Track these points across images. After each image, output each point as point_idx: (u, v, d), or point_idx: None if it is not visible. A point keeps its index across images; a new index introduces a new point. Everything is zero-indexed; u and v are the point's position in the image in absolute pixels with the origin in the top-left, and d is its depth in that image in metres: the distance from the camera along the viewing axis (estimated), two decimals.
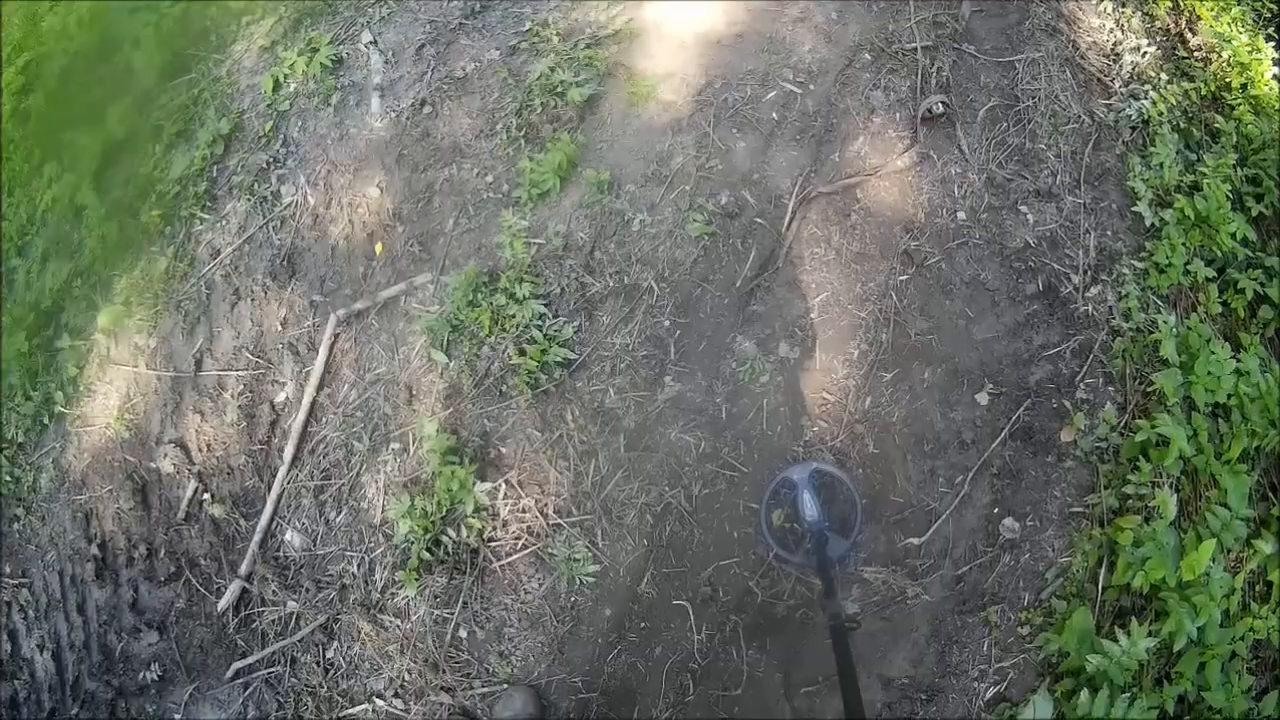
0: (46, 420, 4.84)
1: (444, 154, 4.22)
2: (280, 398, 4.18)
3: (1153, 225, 3.90)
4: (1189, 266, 3.83)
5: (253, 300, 4.34)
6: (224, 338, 4.36)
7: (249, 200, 4.51)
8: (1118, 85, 4.30)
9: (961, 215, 3.84)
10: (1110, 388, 3.65)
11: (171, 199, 4.80)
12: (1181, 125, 4.26)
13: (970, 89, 4.11)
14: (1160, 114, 4.16)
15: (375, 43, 4.61)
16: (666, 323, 3.71)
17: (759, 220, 3.80)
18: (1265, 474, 3.63)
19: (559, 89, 4.06)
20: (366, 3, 4.78)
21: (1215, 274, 3.88)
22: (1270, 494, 3.62)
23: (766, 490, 3.48)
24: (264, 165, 4.55)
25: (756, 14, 4.20)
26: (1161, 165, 3.99)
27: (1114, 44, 4.45)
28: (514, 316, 3.72)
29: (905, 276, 3.73)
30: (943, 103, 3.97)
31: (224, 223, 4.56)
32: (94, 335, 4.82)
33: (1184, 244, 3.86)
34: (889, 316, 3.68)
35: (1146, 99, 4.21)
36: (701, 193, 3.84)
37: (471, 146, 4.19)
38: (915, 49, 4.14)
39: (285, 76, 4.71)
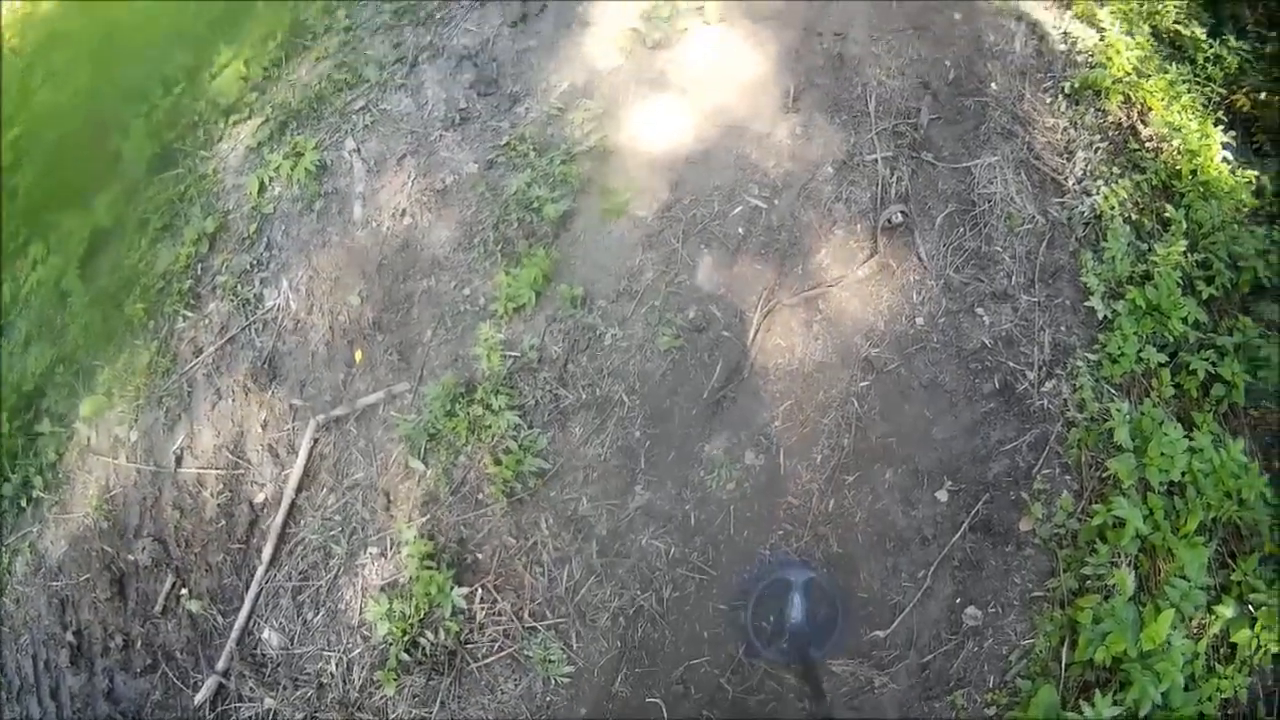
0: (24, 504, 4.71)
1: (423, 265, 4.20)
2: (259, 498, 4.10)
3: (1105, 318, 3.94)
4: (1141, 354, 3.84)
5: (234, 401, 4.27)
6: (204, 436, 4.28)
7: (232, 301, 4.45)
8: (1071, 183, 4.36)
9: (920, 321, 3.89)
10: (1067, 476, 3.68)
11: (156, 293, 4.73)
12: (1133, 217, 4.31)
13: (928, 196, 4.18)
14: (1112, 208, 4.20)
15: (358, 150, 4.61)
16: (637, 434, 3.70)
17: (725, 333, 3.82)
18: (1224, 542, 3.67)
19: (535, 204, 4.07)
20: (351, 110, 4.79)
21: (1167, 359, 3.90)
22: (1229, 560, 3.65)
23: (758, 586, 3.47)
24: (248, 267, 4.51)
25: (724, 131, 4.26)
26: (1114, 259, 4.02)
27: (1068, 142, 4.52)
28: (490, 427, 3.69)
29: (866, 383, 3.77)
30: (902, 212, 4.05)
31: (207, 321, 4.49)
32: (75, 423, 4.71)
33: (1136, 333, 3.87)
34: (850, 422, 3.70)
35: (1098, 194, 4.26)
36: (670, 307, 3.85)
37: (450, 259, 4.17)
38: (876, 160, 4.21)
39: (270, 179, 4.69)
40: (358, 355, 4.11)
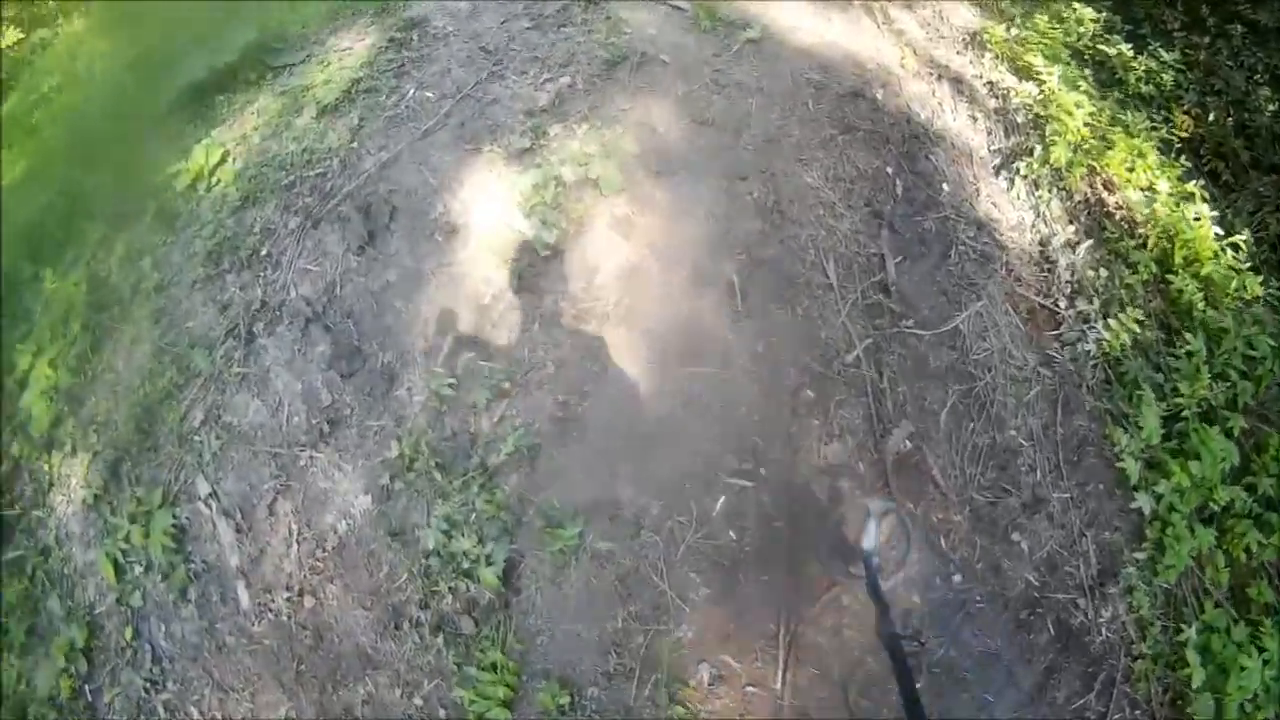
0: None
1: (350, 664, 3.05)
2: None
3: (1153, 510, 3.19)
4: (1194, 537, 3.17)
5: None
6: None
7: None
8: (1063, 305, 3.48)
9: (957, 578, 2.97)
10: (1136, 712, 3.01)
11: None
12: (1140, 336, 3.44)
13: (924, 387, 3.18)
14: (1123, 345, 3.34)
15: (216, 496, 3.36)
16: None
17: (749, 688, 2.78)
18: None
19: (465, 566, 2.93)
20: (190, 431, 3.49)
21: (1216, 533, 3.26)
22: None
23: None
24: (143, 691, 3.33)
25: (672, 376, 3.09)
26: (1149, 434, 3.19)
27: (1041, 243, 3.60)
28: None
29: (919, 684, 2.83)
30: (909, 435, 3.04)
31: None
32: None
33: (1185, 523, 3.18)
34: None
35: (1099, 325, 3.40)
36: (675, 679, 2.79)
37: (380, 650, 3.02)
38: (858, 357, 3.14)
39: (123, 554, 3.46)
40: None
